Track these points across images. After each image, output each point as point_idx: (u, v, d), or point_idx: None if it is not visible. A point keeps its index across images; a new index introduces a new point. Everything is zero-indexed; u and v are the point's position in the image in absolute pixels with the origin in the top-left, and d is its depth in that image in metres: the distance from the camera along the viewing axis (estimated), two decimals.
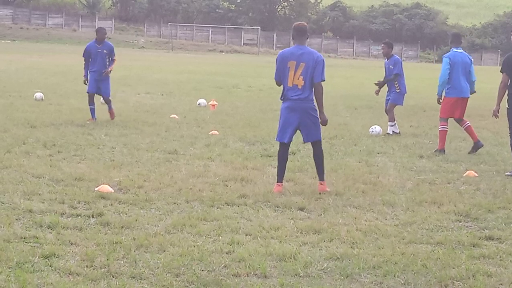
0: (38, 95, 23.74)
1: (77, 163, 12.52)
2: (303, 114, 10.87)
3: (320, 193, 10.78)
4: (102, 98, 19.71)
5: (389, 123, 18.46)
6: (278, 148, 11.34)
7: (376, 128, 18.29)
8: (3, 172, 11.40)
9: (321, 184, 11.08)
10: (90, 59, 18.54)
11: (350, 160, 14.12)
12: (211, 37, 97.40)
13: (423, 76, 51.82)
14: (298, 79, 10.76)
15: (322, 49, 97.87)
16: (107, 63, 18.71)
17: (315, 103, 10.98)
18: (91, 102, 18.55)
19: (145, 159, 13.25)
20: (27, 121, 16.56)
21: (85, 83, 18.69)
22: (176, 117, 20.47)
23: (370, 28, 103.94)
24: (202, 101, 24.06)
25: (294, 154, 14.52)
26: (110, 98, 18.92)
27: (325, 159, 13.87)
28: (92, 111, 18.55)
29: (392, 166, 13.57)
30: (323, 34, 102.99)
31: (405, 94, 18.83)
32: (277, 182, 11.06)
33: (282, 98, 11.04)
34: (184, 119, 20.08)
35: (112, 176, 11.37)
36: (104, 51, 18.64)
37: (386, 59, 18.84)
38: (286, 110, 10.94)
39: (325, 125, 11.21)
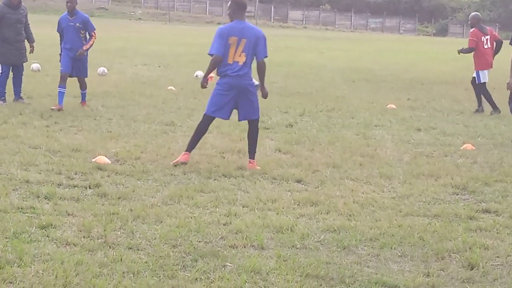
0: (35, 66, 23.64)
1: (74, 134, 12.50)
2: (241, 92, 10.44)
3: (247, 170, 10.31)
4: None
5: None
6: (201, 119, 10.78)
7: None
8: (0, 143, 11.37)
9: (250, 162, 10.57)
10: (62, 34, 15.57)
11: (347, 132, 14.11)
12: (209, 9, 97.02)
13: (421, 50, 51.74)
14: (240, 55, 10.36)
15: (320, 22, 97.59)
16: (83, 39, 15.53)
17: (253, 80, 10.58)
18: (62, 84, 15.34)
19: (142, 130, 13.23)
20: (24, 91, 16.48)
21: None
22: (173, 88, 20.43)
23: (368, 1, 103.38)
24: (199, 73, 23.90)
25: (292, 126, 14.52)
26: (85, 80, 15.96)
27: (323, 132, 13.97)
28: (61, 95, 15.28)
29: (390, 139, 13.57)
30: (320, 6, 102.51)
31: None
32: (186, 150, 10.61)
33: (219, 74, 10.50)
34: (181, 91, 20.04)
35: (109, 147, 11.35)
36: (77, 24, 15.42)
37: None
38: (225, 87, 10.44)
39: (266, 98, 10.83)
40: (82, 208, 8.02)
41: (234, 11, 10.50)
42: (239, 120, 10.89)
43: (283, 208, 8.46)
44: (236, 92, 10.44)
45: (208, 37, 21.33)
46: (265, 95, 10.72)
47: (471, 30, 18.47)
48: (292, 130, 14.07)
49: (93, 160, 10.36)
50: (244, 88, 10.44)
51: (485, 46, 18.31)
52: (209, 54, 10.47)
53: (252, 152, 10.69)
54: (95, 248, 6.75)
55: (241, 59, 10.36)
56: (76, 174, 9.62)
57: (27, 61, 16.39)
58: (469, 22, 18.63)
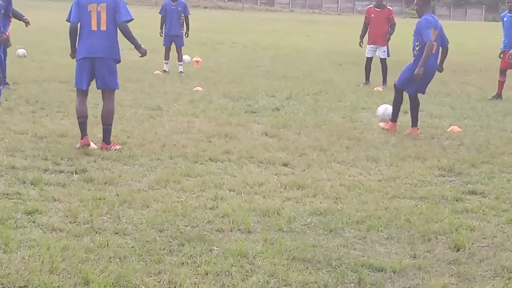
0: (21, 51, 23.52)
1: (60, 120, 12.46)
2: (432, 74, 12.57)
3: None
4: None
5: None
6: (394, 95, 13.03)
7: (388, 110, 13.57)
8: None
9: (411, 128, 12.64)
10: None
11: (334, 116, 14.11)
12: None
13: (408, 32, 51.67)
14: (435, 44, 12.32)
15: (306, 5, 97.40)
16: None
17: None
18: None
19: (129, 115, 13.19)
20: (10, 77, 16.41)
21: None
22: (160, 73, 20.38)
23: None
24: (186, 57, 23.84)
25: (278, 110, 14.51)
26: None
27: (309, 115, 13.96)
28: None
29: (376, 121, 13.56)
30: None
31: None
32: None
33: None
34: (168, 76, 19.99)
35: (96, 133, 11.31)
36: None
37: None
38: (428, 74, 12.47)
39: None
40: (68, 194, 8.00)
41: (422, 6, 12.49)
42: (412, 95, 12.77)
43: (269, 191, 8.46)
44: (429, 75, 12.53)
45: (195, 22, 21.27)
46: None
47: (391, 8, 19.83)
48: (279, 113, 14.06)
49: (79, 145, 10.32)
50: (434, 71, 12.58)
51: None
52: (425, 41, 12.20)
53: (414, 121, 12.71)
54: (82, 234, 6.74)
55: (435, 47, 12.40)
56: (62, 159, 9.59)
57: (10, 45, 16.28)
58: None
